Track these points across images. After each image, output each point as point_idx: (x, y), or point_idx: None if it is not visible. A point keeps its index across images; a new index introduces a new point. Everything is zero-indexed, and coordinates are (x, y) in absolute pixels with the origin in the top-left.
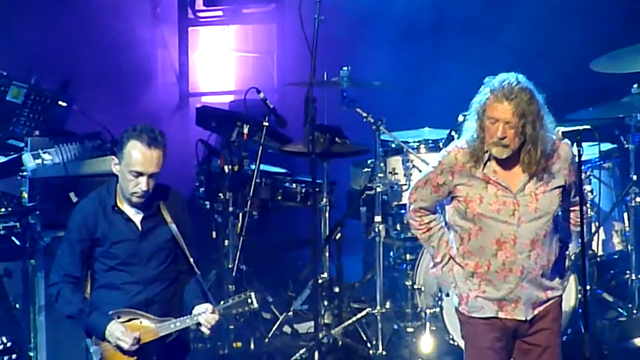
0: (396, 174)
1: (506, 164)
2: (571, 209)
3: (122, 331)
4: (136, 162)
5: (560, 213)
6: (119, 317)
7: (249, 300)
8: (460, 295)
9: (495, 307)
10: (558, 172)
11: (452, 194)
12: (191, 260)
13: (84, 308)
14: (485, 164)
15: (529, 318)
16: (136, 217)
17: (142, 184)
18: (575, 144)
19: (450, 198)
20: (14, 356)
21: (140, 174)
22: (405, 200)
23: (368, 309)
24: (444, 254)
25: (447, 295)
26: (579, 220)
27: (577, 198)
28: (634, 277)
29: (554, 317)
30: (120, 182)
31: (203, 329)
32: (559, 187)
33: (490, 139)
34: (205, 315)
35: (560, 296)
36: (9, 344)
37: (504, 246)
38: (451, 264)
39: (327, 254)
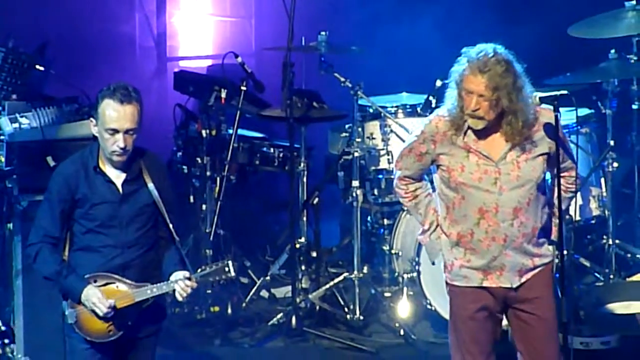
0: (374, 138)
1: (485, 133)
2: (562, 174)
3: (98, 297)
4: (110, 119)
5: (549, 179)
6: (95, 281)
7: (226, 269)
8: (445, 264)
9: (481, 275)
10: (541, 140)
11: (436, 163)
12: (171, 226)
13: (61, 270)
14: (465, 133)
15: (514, 285)
16: (117, 179)
17: (120, 141)
18: (553, 109)
19: (436, 167)
20: (6, 340)
21: (116, 131)
22: (382, 165)
23: (345, 274)
24: (432, 221)
25: (433, 263)
26: (570, 186)
27: (567, 163)
28: (610, 242)
29: (545, 284)
30: (100, 143)
31: (178, 296)
32: (542, 154)
33: (466, 110)
34: (181, 282)
35: (550, 262)
36: (3, 328)
37: (486, 215)
38: (439, 231)
39: (304, 219)
